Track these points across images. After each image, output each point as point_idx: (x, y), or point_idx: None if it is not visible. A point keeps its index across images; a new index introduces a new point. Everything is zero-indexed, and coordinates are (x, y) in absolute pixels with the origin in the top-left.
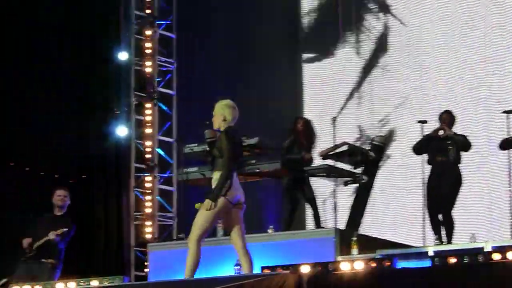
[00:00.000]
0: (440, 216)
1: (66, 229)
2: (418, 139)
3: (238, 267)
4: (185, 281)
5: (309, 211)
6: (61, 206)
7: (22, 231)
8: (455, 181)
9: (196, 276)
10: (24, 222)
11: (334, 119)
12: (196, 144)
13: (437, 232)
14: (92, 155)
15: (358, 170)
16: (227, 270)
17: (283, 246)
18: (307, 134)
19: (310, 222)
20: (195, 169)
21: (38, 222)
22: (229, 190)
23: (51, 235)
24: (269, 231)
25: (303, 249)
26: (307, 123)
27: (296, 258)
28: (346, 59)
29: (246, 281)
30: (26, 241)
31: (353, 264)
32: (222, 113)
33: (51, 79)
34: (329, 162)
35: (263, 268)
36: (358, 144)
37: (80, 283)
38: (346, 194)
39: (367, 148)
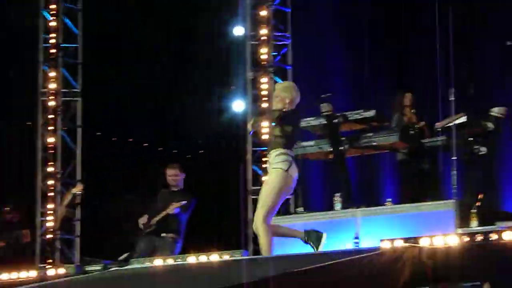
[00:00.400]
0: None
1: (185, 201)
2: None
3: (357, 240)
4: (303, 255)
5: (425, 184)
6: (174, 185)
7: (142, 206)
8: None
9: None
10: (143, 197)
11: (451, 90)
12: (312, 118)
13: None
14: (209, 130)
15: (477, 142)
16: (346, 243)
17: (401, 219)
18: (415, 108)
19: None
20: (312, 143)
21: (157, 197)
22: (291, 167)
23: (171, 209)
24: (387, 204)
25: (422, 222)
26: (414, 97)
27: (415, 231)
28: None
29: (365, 255)
30: (141, 220)
31: (472, 237)
32: (289, 95)
33: (170, 54)
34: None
35: (382, 241)
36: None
37: (199, 257)
38: (466, 166)
39: (486, 119)
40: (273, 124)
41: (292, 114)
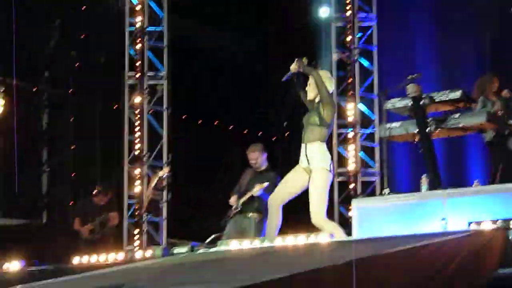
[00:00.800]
0: None
1: (268, 183)
2: None
3: (444, 222)
4: (390, 238)
5: None
6: (257, 166)
7: (228, 188)
8: None
9: (400, 233)
10: (229, 179)
11: None
12: (398, 99)
13: None
14: (294, 110)
15: None
16: (433, 226)
17: (490, 200)
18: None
19: None
20: (397, 124)
21: (242, 178)
22: (331, 164)
23: (254, 191)
24: (475, 185)
25: (511, 203)
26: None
27: (503, 212)
28: None
29: (453, 237)
30: (233, 198)
31: None
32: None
33: (254, 36)
34: None
35: (470, 223)
36: None
37: (286, 239)
38: None
39: None
40: (311, 111)
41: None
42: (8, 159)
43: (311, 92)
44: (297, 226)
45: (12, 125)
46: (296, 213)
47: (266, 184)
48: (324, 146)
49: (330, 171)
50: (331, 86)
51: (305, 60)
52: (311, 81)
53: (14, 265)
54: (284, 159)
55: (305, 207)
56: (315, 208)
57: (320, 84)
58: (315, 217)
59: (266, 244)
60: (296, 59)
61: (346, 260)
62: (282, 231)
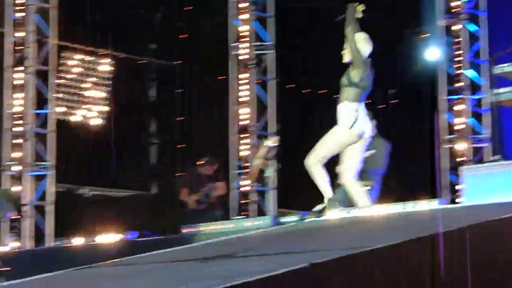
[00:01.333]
0: None
1: (375, 150)
2: None
3: None
4: (501, 204)
5: None
6: None
7: (335, 157)
8: None
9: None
10: None
11: None
12: (507, 64)
13: None
14: (402, 79)
15: None
16: None
17: None
18: None
19: None
20: (507, 89)
21: None
22: (356, 124)
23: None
24: None
25: None
26: None
27: None
28: None
29: None
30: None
31: None
32: (359, 46)
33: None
34: None
35: None
36: None
37: (394, 207)
38: None
39: None
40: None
41: (364, 64)
42: (118, 132)
43: (346, 56)
44: (403, 193)
45: (121, 98)
46: (402, 182)
47: (373, 151)
48: (351, 105)
49: (350, 129)
50: (366, 48)
51: (359, 7)
52: (346, 45)
53: (125, 236)
54: (391, 126)
55: (410, 175)
56: (313, 150)
57: (351, 41)
58: (309, 157)
59: (363, 212)
60: (350, 3)
61: (459, 226)
62: (387, 199)
